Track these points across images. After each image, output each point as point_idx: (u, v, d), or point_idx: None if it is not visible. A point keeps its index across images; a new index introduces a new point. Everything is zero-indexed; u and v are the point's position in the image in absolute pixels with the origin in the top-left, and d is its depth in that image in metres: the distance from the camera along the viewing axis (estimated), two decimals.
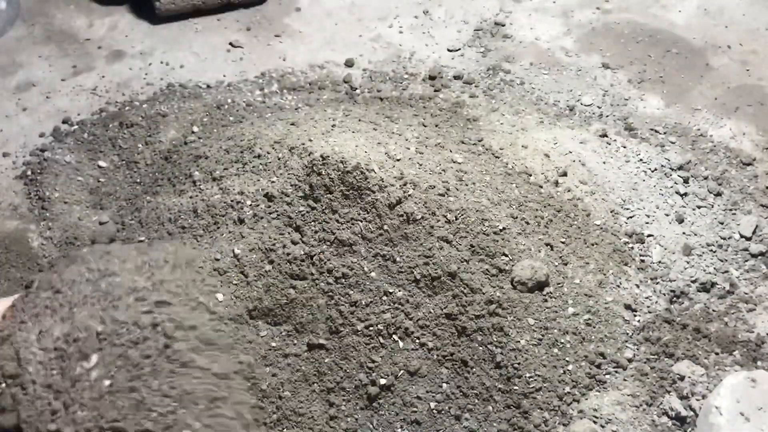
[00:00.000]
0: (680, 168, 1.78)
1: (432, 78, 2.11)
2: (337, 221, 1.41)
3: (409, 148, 1.58)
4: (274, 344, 1.37)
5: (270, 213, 1.47)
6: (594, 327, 1.42)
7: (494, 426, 1.32)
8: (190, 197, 1.61)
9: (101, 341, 0.87)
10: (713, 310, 1.53)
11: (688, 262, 1.60)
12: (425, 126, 1.78)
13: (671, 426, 1.33)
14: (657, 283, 1.55)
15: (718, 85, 2.10)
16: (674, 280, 1.56)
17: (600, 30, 2.33)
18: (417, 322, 1.37)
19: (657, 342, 1.44)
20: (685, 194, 1.72)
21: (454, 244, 1.40)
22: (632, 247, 1.60)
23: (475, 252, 1.41)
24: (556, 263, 1.48)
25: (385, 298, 1.37)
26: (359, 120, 1.74)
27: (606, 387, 1.37)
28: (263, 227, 1.46)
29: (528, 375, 1.33)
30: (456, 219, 1.43)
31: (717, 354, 1.45)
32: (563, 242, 1.53)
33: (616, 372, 1.39)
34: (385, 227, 1.39)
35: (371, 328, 1.36)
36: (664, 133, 1.92)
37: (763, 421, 1.21)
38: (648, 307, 1.50)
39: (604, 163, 1.76)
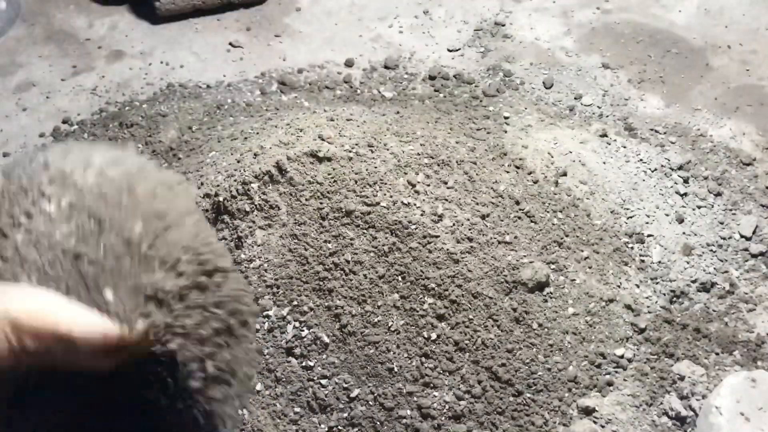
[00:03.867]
0: (680, 168, 1.78)
1: (432, 78, 2.11)
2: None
3: (413, 148, 1.57)
4: None
5: None
6: (594, 327, 1.42)
7: (494, 426, 1.32)
8: None
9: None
10: (713, 310, 1.53)
11: (688, 262, 1.59)
12: (426, 124, 1.78)
13: (671, 426, 1.33)
14: (657, 283, 1.55)
15: (718, 85, 2.10)
16: (674, 280, 1.56)
17: (600, 30, 2.33)
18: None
19: (657, 342, 1.44)
20: (685, 194, 1.72)
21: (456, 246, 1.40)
22: (632, 247, 1.60)
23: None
24: (557, 263, 1.48)
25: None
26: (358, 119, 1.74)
27: (606, 387, 1.37)
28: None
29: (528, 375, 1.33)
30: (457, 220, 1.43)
31: (717, 354, 1.45)
32: (563, 242, 1.53)
33: (616, 372, 1.39)
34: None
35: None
36: (664, 133, 1.92)
37: (763, 421, 1.21)
38: (648, 307, 1.50)
39: (604, 163, 1.76)
